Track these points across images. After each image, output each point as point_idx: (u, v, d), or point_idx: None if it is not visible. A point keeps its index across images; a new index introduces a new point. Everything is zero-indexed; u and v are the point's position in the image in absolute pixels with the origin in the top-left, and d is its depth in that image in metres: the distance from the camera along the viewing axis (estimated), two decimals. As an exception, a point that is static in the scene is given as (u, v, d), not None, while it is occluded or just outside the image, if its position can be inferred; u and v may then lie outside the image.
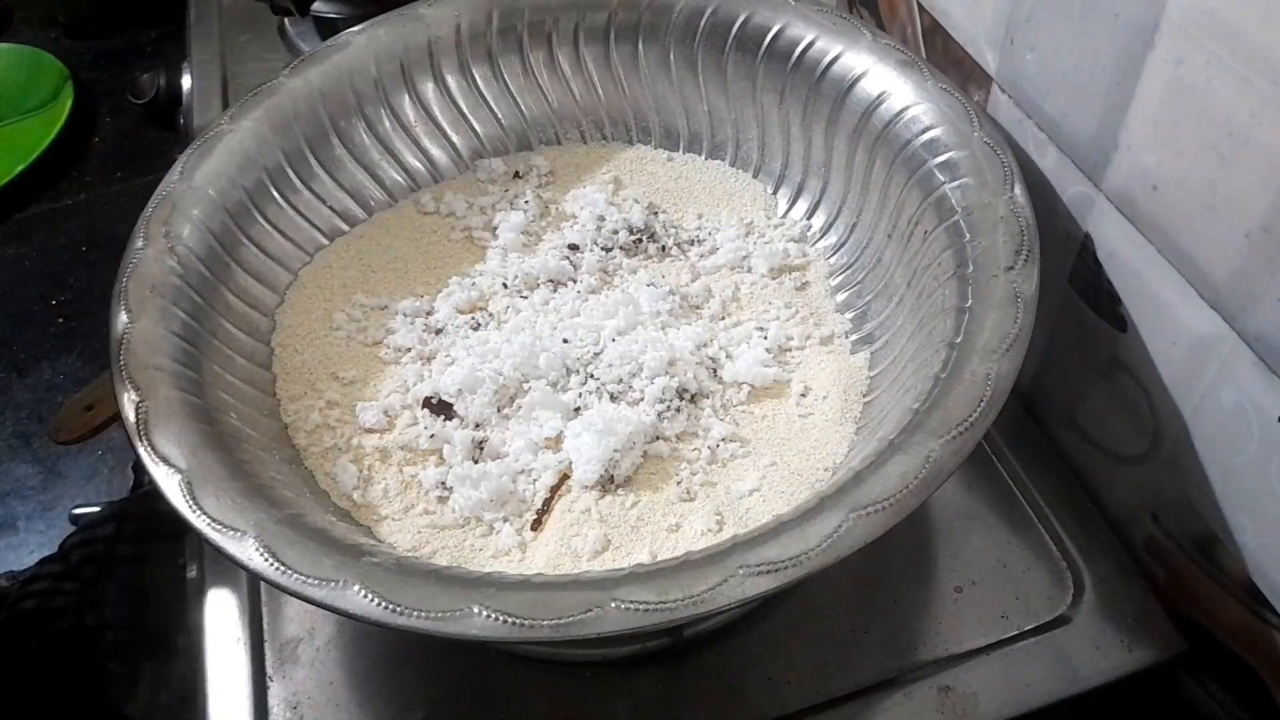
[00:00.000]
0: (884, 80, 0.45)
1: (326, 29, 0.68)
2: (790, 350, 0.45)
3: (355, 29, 0.50)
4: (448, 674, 0.41)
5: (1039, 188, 0.43)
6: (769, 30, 0.49)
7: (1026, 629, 0.41)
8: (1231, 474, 0.36)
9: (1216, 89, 0.31)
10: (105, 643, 0.56)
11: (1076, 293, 0.42)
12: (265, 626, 0.43)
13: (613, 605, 0.28)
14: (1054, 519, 0.44)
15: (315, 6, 0.68)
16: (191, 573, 0.46)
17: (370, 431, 0.42)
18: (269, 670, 0.41)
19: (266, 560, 0.30)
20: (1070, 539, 0.43)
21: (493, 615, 0.28)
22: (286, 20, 0.74)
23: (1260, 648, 0.37)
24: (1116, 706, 0.41)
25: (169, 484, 0.32)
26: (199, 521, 0.31)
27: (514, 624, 0.28)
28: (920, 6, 0.49)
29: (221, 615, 0.43)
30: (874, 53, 0.46)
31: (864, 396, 0.42)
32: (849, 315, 0.46)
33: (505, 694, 0.40)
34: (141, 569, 0.58)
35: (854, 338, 0.45)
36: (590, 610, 0.28)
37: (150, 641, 0.56)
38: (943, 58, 0.48)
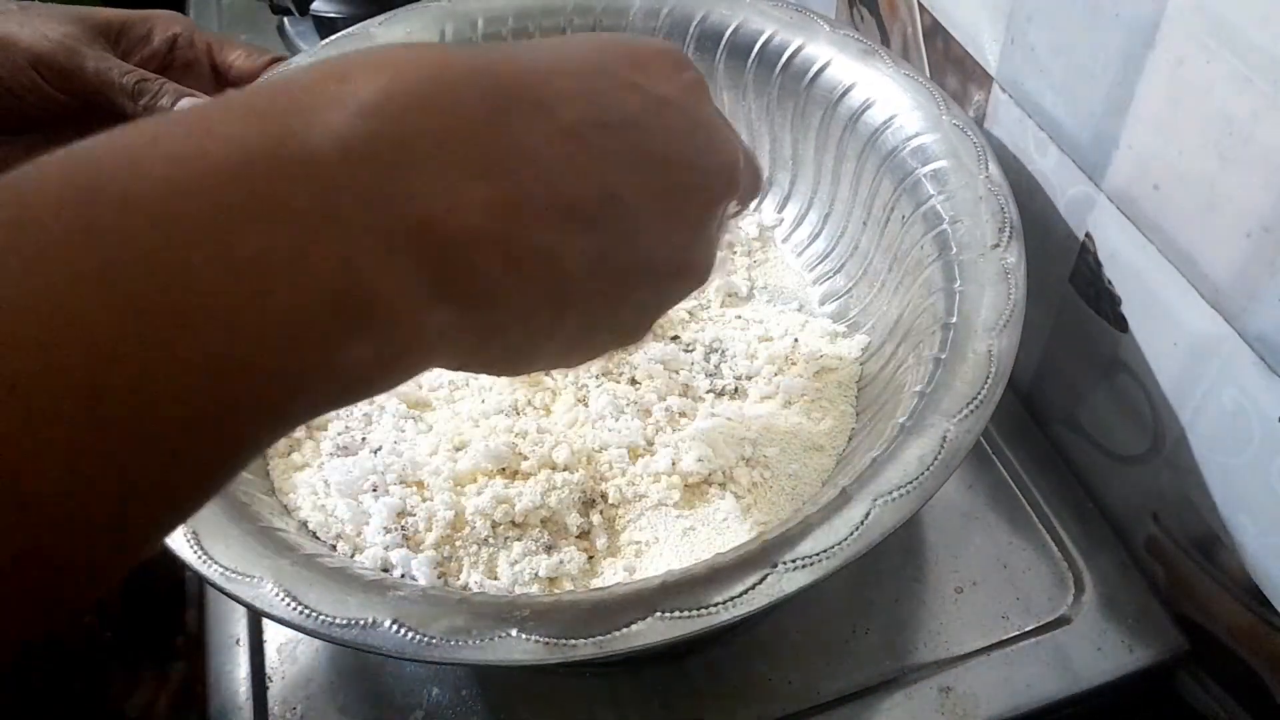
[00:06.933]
0: (847, 70, 0.45)
1: (326, 29, 0.67)
2: (775, 342, 0.46)
3: (303, 53, 0.49)
4: (447, 674, 0.41)
5: (1039, 188, 0.43)
6: (727, 27, 0.49)
7: (1027, 629, 0.41)
8: (1232, 474, 0.36)
9: (1217, 88, 0.31)
10: (105, 643, 0.56)
11: (1077, 293, 0.42)
12: (265, 627, 0.43)
13: (655, 616, 0.28)
14: (1054, 519, 0.44)
15: (314, 6, 0.68)
16: (191, 573, 0.46)
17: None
18: (269, 670, 0.41)
19: (288, 604, 0.29)
20: (1071, 539, 0.43)
21: (532, 638, 0.28)
22: (286, 20, 0.74)
23: (1260, 648, 0.37)
24: (1117, 707, 0.41)
25: (174, 536, 0.32)
26: (210, 571, 0.30)
27: (555, 645, 0.27)
28: (920, 6, 0.49)
29: (221, 616, 0.43)
30: (834, 43, 0.46)
31: (857, 382, 0.43)
32: (832, 305, 0.46)
33: (505, 694, 0.40)
34: (141, 569, 0.58)
35: (840, 326, 0.45)
36: (633, 623, 0.28)
37: (150, 641, 0.56)
38: (943, 57, 0.48)
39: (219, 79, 0.51)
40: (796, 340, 0.45)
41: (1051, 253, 0.43)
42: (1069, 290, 0.43)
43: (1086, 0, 0.36)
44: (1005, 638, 0.41)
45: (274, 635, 0.42)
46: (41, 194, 0.16)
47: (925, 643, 0.41)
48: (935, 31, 0.49)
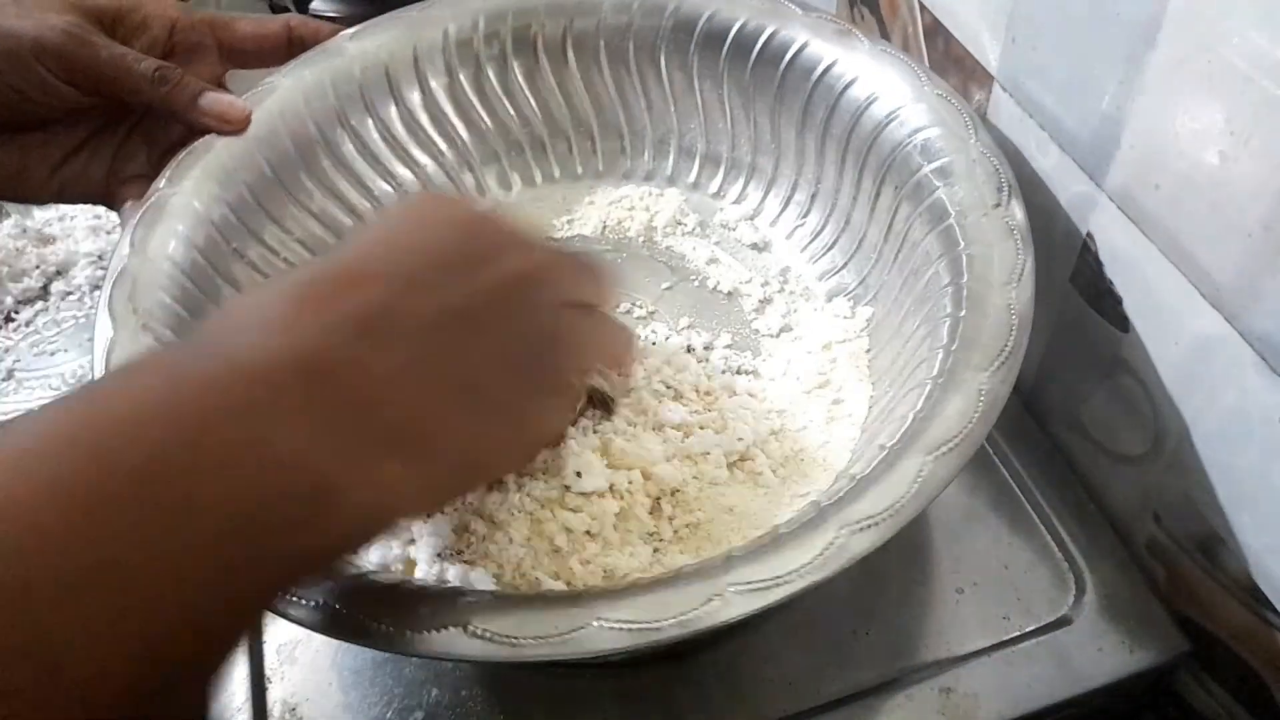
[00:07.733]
0: (824, 50, 0.46)
1: (326, 28, 0.67)
2: (785, 316, 0.46)
3: (281, 71, 0.48)
4: (446, 674, 0.40)
5: (1040, 187, 0.43)
6: (699, 16, 0.49)
7: (1028, 630, 0.41)
8: (1233, 474, 0.36)
9: (1219, 88, 0.31)
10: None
11: (1078, 292, 0.42)
12: (263, 627, 0.42)
13: (731, 591, 0.28)
14: (1055, 520, 0.44)
15: (313, 6, 0.68)
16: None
17: None
18: (268, 671, 0.41)
19: (361, 621, 0.28)
20: (1072, 540, 0.43)
21: (612, 625, 0.27)
22: (286, 19, 0.74)
23: (1261, 648, 0.37)
24: (1118, 707, 0.41)
25: None
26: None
27: (636, 630, 0.27)
28: (921, 5, 0.49)
29: (220, 616, 0.43)
30: (808, 26, 0.46)
31: (866, 353, 0.43)
32: (831, 279, 0.47)
33: (504, 695, 0.40)
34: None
35: (840, 298, 0.46)
36: (711, 600, 0.27)
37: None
38: (944, 57, 0.48)
39: (226, 57, 0.50)
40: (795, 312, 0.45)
41: (1052, 252, 0.43)
42: (1070, 290, 0.43)
43: (1087, 0, 0.36)
44: (1006, 638, 0.40)
45: (273, 636, 0.42)
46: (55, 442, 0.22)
47: (926, 643, 0.41)
48: (936, 30, 0.49)
